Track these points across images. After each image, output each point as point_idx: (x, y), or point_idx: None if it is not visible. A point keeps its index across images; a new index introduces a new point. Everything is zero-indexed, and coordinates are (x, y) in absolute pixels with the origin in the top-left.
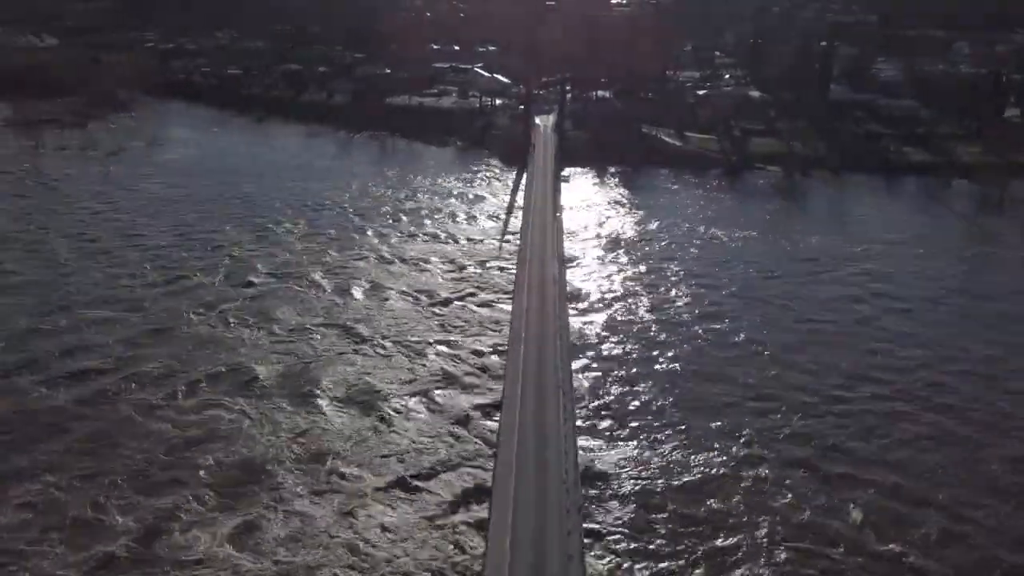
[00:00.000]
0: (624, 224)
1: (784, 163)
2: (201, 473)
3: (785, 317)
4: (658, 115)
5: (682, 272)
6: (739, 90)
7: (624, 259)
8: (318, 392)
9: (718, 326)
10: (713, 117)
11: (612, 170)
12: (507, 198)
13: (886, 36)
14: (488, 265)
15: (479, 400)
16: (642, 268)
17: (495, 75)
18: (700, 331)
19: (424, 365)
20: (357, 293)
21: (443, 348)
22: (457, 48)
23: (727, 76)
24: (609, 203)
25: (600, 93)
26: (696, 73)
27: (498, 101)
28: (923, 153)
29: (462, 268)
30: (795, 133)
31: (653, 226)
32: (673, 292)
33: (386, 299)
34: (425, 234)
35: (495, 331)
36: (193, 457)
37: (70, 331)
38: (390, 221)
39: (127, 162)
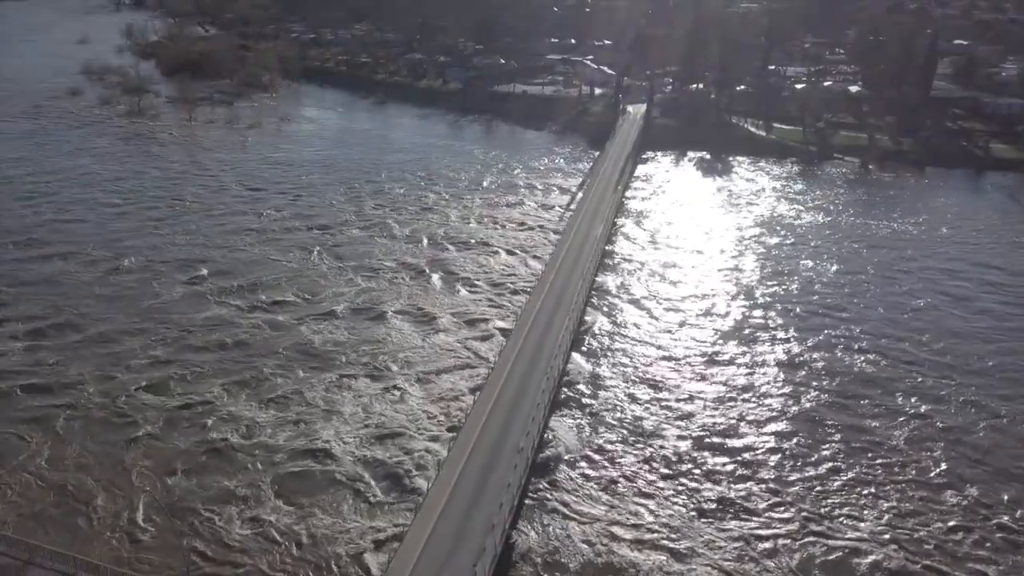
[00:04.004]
0: (679, 195)
1: (862, 155)
2: None
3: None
4: (751, 107)
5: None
6: (839, 85)
7: (661, 217)
8: None
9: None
10: (803, 110)
11: (690, 155)
12: (582, 175)
13: None
14: (549, 227)
15: None
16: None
17: (601, 67)
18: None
19: None
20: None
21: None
22: (574, 42)
23: (833, 72)
24: (675, 181)
25: (698, 85)
26: (803, 68)
27: (597, 91)
28: (1012, 150)
29: (530, 229)
30: (883, 127)
31: (703, 196)
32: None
33: (446, 249)
34: (502, 202)
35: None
36: None
37: None
38: (468, 187)
39: (259, 133)
